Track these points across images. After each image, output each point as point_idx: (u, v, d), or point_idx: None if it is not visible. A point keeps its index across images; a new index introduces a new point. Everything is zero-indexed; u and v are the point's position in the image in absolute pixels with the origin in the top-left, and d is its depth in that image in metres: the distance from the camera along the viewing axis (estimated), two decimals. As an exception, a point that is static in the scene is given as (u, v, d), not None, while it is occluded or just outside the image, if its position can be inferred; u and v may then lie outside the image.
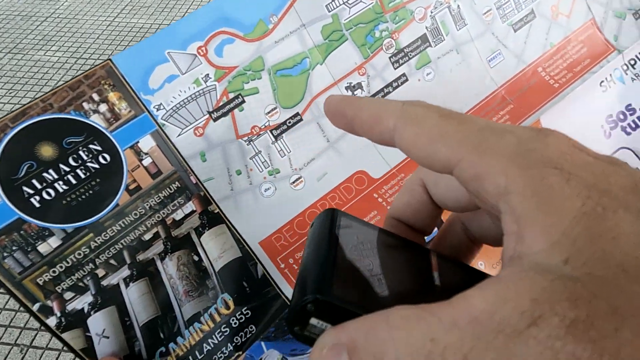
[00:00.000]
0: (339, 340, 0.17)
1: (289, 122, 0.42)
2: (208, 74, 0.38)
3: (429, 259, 0.23)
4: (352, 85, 0.44)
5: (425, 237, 0.26)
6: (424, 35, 0.46)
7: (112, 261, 0.36)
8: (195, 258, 0.39)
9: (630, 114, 0.51)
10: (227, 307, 0.38)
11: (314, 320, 0.18)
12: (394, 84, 0.45)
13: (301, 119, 0.42)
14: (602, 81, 0.51)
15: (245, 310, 0.37)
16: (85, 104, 0.34)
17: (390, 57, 0.45)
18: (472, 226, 0.25)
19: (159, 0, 2.21)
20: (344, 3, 0.42)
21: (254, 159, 0.41)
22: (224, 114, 0.39)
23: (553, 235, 0.15)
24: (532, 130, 0.17)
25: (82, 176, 0.34)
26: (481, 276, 0.16)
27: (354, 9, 0.43)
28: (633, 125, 0.51)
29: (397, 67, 0.45)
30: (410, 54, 0.45)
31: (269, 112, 0.41)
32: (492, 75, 0.49)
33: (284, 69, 0.41)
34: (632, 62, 0.52)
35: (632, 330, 0.13)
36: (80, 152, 0.34)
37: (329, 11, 0.42)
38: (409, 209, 0.26)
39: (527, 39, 0.50)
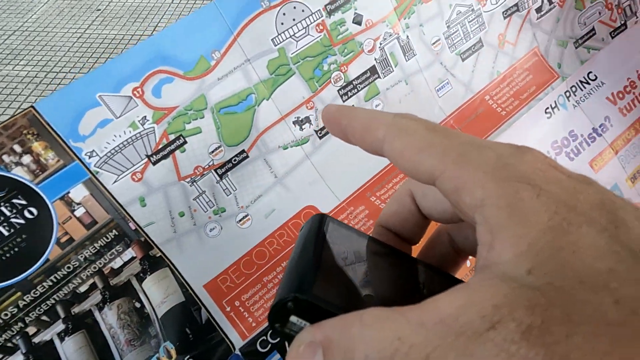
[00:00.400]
0: (315, 338, 0.17)
1: (234, 160, 0.38)
2: (145, 116, 0.34)
3: (415, 267, 0.23)
4: (300, 119, 0.41)
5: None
6: (373, 67, 0.43)
7: (44, 317, 0.32)
8: (137, 305, 0.35)
9: (573, 140, 0.50)
10: (169, 357, 0.34)
11: (293, 318, 0.19)
12: (343, 117, 0.42)
13: (247, 156, 0.39)
14: (547, 108, 0.50)
15: (187, 359, 0.34)
16: (5, 157, 0.30)
17: (338, 90, 0.42)
18: (458, 238, 0.25)
19: (131, 11, 2.08)
20: (290, 37, 0.39)
21: (197, 200, 0.37)
22: (164, 157, 0.36)
23: (519, 246, 0.15)
24: (511, 147, 0.18)
25: (6, 233, 0.30)
26: None
27: (301, 43, 0.39)
28: (575, 151, 0.50)
29: (346, 99, 0.42)
30: (359, 86, 0.43)
31: (212, 152, 0.37)
32: (440, 105, 0.47)
33: (228, 106, 0.38)
34: (574, 89, 0.51)
35: (583, 336, 0.14)
36: (2, 208, 0.30)
37: (275, 45, 0.39)
38: (397, 218, 0.26)
39: (474, 67, 0.48)
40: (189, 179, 0.37)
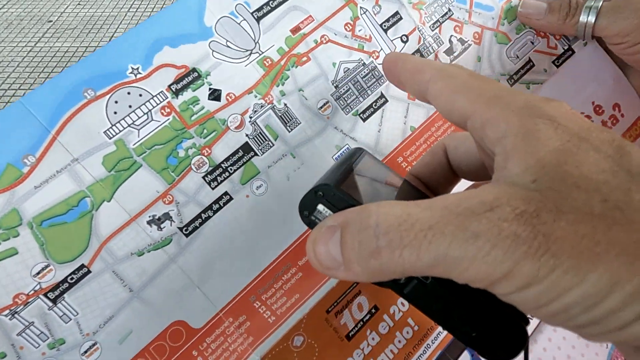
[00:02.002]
0: (336, 221, 0.19)
1: (71, 279, 0.31)
2: None
3: None
4: (157, 217, 0.33)
5: None
6: (245, 145, 0.35)
7: None
8: None
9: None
10: None
11: (320, 207, 0.21)
12: (215, 207, 0.34)
13: (89, 271, 0.31)
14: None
15: None
16: None
17: (204, 177, 0.34)
18: None
19: (85, 21, 1.93)
20: (129, 125, 0.32)
21: (23, 334, 0.30)
22: (-35, 290, 0.28)
23: (528, 162, 0.17)
24: (541, 96, 0.19)
25: None
26: None
27: (144, 131, 0.33)
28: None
29: (216, 186, 0.34)
30: (231, 169, 0.35)
31: (38, 273, 0.30)
32: (342, 175, 0.38)
33: (54, 216, 0.30)
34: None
35: (567, 222, 0.15)
36: None
37: (110, 138, 0.32)
38: (427, 168, 0.29)
39: (380, 127, 0.39)
40: (6, 311, 0.29)
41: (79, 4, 1.96)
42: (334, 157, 0.38)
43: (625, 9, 0.38)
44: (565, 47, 0.46)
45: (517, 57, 0.45)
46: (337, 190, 0.21)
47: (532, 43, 0.45)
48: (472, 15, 0.44)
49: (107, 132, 0.32)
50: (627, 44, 0.39)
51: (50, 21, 1.93)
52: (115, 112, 0.33)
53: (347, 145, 0.39)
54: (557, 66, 0.46)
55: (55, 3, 1.98)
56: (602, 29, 0.40)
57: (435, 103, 0.22)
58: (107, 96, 0.32)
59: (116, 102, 0.33)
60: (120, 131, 0.33)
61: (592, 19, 0.40)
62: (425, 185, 0.29)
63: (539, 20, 0.43)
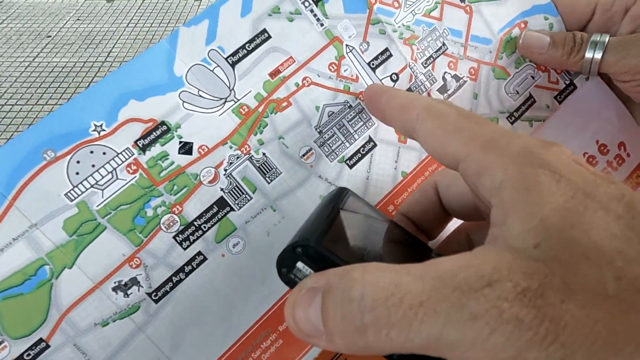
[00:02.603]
0: (317, 283, 0.18)
1: (28, 355, 0.28)
2: None
3: (425, 253, 0.23)
4: (123, 283, 0.30)
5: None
6: (220, 199, 0.33)
7: None
8: None
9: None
10: None
11: (300, 264, 0.19)
12: (187, 268, 0.32)
13: (47, 346, 0.29)
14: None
15: None
16: None
17: (175, 236, 0.31)
18: (475, 238, 0.25)
19: (84, 36, 1.91)
20: (92, 186, 0.30)
21: (-26, 419, 0.27)
22: None
23: (530, 222, 0.15)
24: (540, 140, 0.18)
25: None
26: None
27: (108, 190, 0.30)
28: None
29: (188, 245, 0.32)
30: (205, 226, 0.32)
31: (-10, 351, 0.27)
32: (327, 228, 0.35)
33: (9, 288, 0.28)
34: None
35: (577, 304, 0.14)
36: None
37: (72, 200, 0.29)
38: (418, 207, 0.27)
39: (369, 173, 0.36)
40: (-45, 394, 0.27)
41: (78, 19, 1.95)
42: (317, 209, 0.35)
43: (634, 45, 0.35)
44: (567, 82, 0.43)
45: (517, 92, 0.42)
46: (318, 246, 0.19)
47: (533, 77, 0.42)
48: (467, 50, 0.41)
49: (69, 194, 0.30)
50: (637, 82, 0.36)
51: (49, 36, 1.91)
52: (77, 173, 0.30)
53: (332, 196, 0.36)
54: (559, 102, 0.43)
55: (55, 18, 1.97)
56: (610, 65, 0.37)
57: (424, 144, 0.21)
58: (68, 156, 0.30)
59: (78, 162, 0.30)
60: (82, 192, 0.30)
61: (598, 55, 0.37)
62: (416, 224, 0.27)
63: (542, 55, 0.40)
